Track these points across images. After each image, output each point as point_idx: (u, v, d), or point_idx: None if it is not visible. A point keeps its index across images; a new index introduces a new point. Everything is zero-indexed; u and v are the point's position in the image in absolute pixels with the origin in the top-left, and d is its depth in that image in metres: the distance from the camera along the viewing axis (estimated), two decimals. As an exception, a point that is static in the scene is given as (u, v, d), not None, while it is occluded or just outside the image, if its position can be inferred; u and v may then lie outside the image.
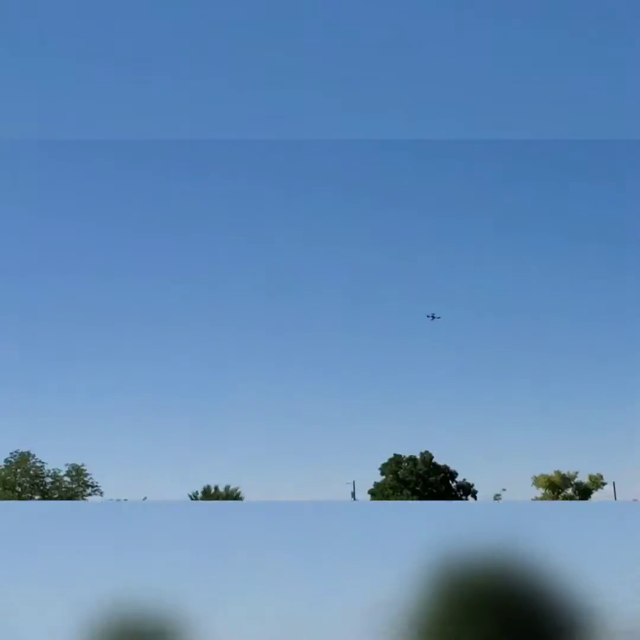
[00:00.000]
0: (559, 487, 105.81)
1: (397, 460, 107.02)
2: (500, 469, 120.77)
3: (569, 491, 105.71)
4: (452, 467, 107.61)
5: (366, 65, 19.16)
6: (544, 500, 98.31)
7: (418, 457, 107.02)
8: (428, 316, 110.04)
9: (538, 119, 19.73)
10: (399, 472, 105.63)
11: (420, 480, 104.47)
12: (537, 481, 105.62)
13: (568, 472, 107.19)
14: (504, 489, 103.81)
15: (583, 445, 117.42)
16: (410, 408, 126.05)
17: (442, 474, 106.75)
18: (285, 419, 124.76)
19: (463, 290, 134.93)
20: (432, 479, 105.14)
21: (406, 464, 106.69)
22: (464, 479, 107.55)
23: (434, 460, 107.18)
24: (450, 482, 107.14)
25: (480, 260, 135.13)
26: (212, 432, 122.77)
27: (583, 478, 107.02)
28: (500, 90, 19.22)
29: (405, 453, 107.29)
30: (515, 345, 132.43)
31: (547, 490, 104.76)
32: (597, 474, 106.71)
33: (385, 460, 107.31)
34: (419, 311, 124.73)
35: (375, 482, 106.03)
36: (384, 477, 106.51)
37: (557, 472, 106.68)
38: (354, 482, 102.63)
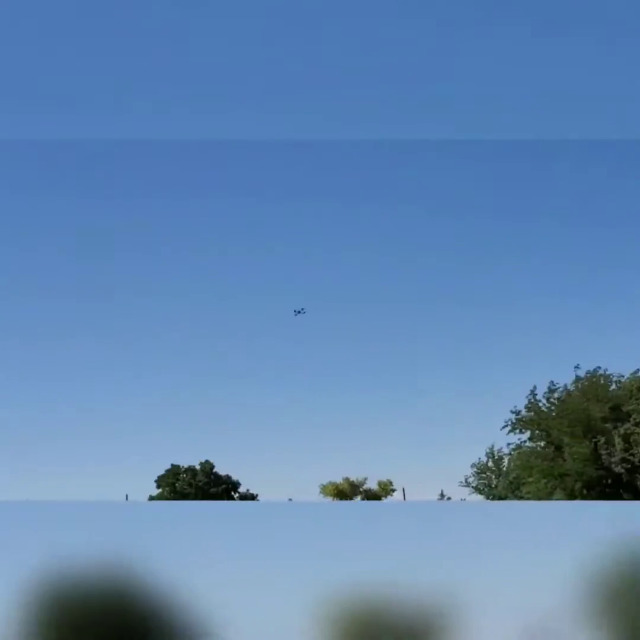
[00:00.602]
0: (347, 494, 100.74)
1: (174, 471, 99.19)
2: (287, 477, 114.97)
3: (358, 499, 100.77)
4: (235, 477, 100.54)
5: (365, 66, 19.56)
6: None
7: (198, 467, 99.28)
8: (295, 311, 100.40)
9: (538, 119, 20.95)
10: (176, 484, 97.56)
11: (199, 492, 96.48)
12: (324, 489, 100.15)
13: (357, 478, 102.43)
14: (290, 499, 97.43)
15: (373, 450, 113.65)
16: (191, 412, 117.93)
17: (224, 485, 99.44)
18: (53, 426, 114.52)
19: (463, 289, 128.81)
20: (213, 490, 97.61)
21: (185, 475, 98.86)
22: (248, 490, 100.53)
23: (215, 470, 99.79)
24: (233, 493, 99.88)
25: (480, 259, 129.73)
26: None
27: (372, 484, 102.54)
28: (500, 91, 19.94)
29: (184, 463, 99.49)
30: (311, 348, 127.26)
31: (335, 499, 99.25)
32: (387, 479, 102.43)
33: (162, 472, 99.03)
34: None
35: (150, 496, 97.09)
36: (160, 489, 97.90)
37: (346, 479, 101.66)
38: (126, 496, 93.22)
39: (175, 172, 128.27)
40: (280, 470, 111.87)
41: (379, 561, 10.27)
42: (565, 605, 9.82)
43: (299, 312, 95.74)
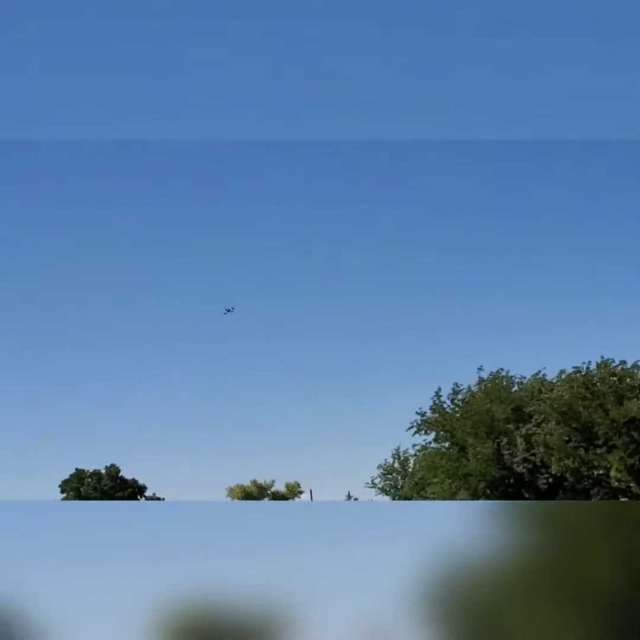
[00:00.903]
0: (254, 497, 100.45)
1: (79, 475, 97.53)
2: (195, 480, 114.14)
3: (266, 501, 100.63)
4: (142, 481, 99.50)
5: (366, 66, 19.53)
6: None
7: (103, 471, 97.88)
8: (225, 310, 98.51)
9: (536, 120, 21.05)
10: (81, 489, 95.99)
11: (105, 496, 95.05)
12: (231, 492, 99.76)
13: (264, 481, 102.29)
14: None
15: (281, 452, 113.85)
16: (97, 416, 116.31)
17: (130, 489, 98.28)
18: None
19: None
20: (118, 494, 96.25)
21: (90, 480, 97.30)
22: (154, 493, 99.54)
23: (121, 474, 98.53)
24: (139, 497, 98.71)
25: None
26: None
27: (280, 487, 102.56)
28: (500, 92, 20.04)
29: (90, 467, 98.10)
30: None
31: (242, 501, 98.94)
32: (294, 482, 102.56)
33: (67, 476, 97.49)
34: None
35: (54, 501, 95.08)
36: (64, 494, 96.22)
37: (254, 482, 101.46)
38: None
39: (176, 175, 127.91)
40: (188, 474, 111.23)
41: (233, 562, 10.27)
42: (407, 604, 9.91)
43: (228, 311, 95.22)
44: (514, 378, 61.38)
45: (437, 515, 11.34)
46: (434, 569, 9.99)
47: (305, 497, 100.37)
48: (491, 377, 60.83)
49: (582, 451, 53.94)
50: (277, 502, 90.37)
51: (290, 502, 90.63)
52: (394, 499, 72.56)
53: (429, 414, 61.15)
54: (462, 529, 10.20)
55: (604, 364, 56.33)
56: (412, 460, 71.03)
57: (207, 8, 18.63)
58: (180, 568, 10.22)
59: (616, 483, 53.05)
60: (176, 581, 10.09)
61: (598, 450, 53.64)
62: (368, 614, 9.94)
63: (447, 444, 61.64)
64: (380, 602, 9.92)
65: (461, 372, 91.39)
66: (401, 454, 73.34)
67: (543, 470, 55.60)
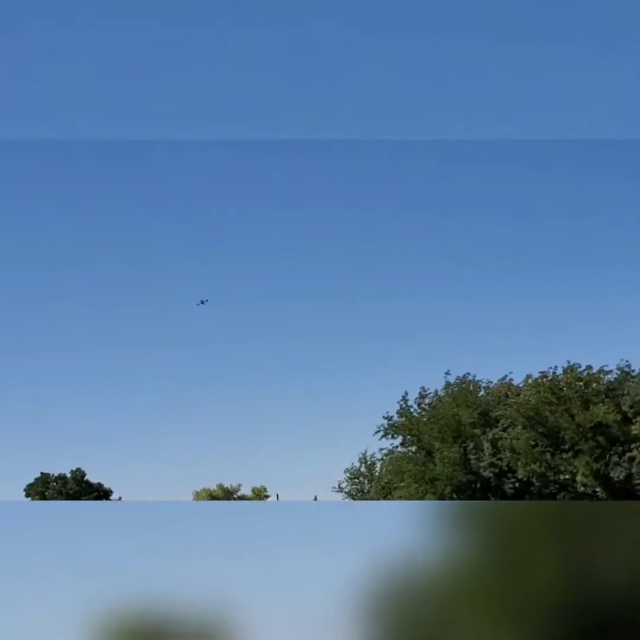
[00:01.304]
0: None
1: (44, 479, 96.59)
2: (161, 484, 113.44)
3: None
4: (108, 485, 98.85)
5: (366, 67, 20.05)
6: None
7: (69, 475, 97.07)
8: (201, 301, 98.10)
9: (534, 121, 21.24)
10: (46, 493, 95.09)
11: (70, 500, 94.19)
12: (198, 496, 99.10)
13: (231, 485, 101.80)
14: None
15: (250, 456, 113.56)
16: (63, 420, 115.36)
17: (96, 493, 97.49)
18: None
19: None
20: (84, 498, 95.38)
21: (55, 484, 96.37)
22: (120, 497, 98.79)
23: (86, 478, 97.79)
24: (104, 500, 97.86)
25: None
26: None
27: (247, 491, 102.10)
28: (500, 93, 20.61)
29: (55, 471, 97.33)
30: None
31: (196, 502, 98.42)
32: (261, 486, 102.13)
33: (32, 480, 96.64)
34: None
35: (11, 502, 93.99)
36: (29, 498, 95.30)
37: (220, 486, 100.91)
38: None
39: (176, 175, 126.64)
40: (155, 477, 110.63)
41: (182, 563, 10.15)
42: (346, 605, 9.82)
43: (202, 302, 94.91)
44: (480, 382, 61.51)
45: (383, 517, 11.25)
46: (377, 570, 9.92)
47: (271, 500, 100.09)
48: (458, 381, 60.88)
49: (548, 456, 54.08)
50: (231, 502, 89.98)
51: (249, 502, 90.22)
52: (360, 503, 72.29)
53: (395, 418, 61.05)
54: (406, 530, 10.10)
55: (570, 369, 56.51)
56: (378, 465, 70.78)
57: (207, 10, 18.68)
58: (126, 570, 10.11)
59: (582, 488, 53.21)
60: (121, 583, 9.98)
61: (564, 455, 53.79)
62: (307, 615, 9.84)
63: (413, 448, 61.56)
64: (321, 604, 9.82)
65: (428, 376, 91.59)
66: (368, 458, 72.98)
67: (509, 474, 55.67)
